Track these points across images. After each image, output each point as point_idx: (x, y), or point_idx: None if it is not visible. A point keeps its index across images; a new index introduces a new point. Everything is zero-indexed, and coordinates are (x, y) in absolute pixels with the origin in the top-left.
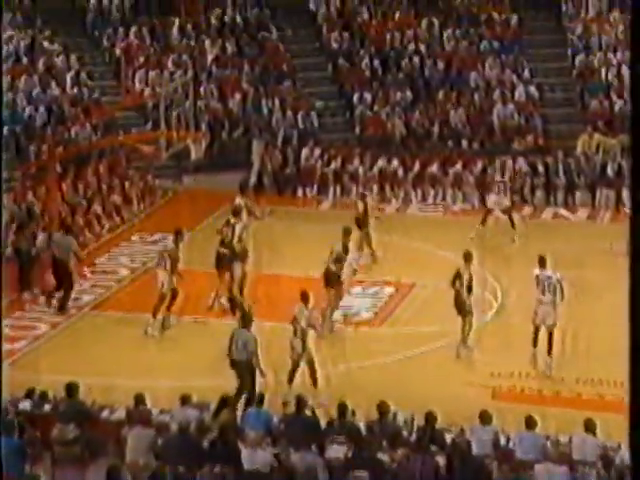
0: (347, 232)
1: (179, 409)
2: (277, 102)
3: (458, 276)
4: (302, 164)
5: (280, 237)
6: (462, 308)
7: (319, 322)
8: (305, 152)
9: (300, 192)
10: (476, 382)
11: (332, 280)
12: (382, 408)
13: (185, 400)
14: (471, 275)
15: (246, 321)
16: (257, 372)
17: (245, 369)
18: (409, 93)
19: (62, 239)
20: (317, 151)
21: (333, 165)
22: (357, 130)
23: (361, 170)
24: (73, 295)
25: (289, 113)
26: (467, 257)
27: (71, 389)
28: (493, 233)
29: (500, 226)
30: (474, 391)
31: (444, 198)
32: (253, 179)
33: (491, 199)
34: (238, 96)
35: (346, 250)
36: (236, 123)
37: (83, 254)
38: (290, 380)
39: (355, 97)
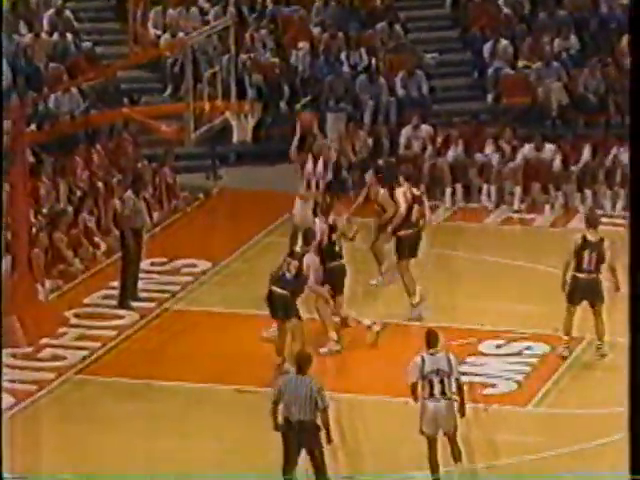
0: None
1: None
2: (364, 55)
3: (583, 247)
4: (402, 151)
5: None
6: (592, 292)
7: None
8: (407, 132)
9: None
10: None
11: None
12: None
13: None
14: (600, 250)
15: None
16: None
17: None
18: (573, 40)
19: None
20: (426, 131)
21: (452, 152)
22: (490, 98)
23: (495, 160)
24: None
25: (383, 73)
26: (591, 222)
27: None
28: None
29: None
30: None
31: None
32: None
33: None
34: (304, 46)
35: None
36: (301, 88)
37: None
38: (436, 465)
39: (487, 47)
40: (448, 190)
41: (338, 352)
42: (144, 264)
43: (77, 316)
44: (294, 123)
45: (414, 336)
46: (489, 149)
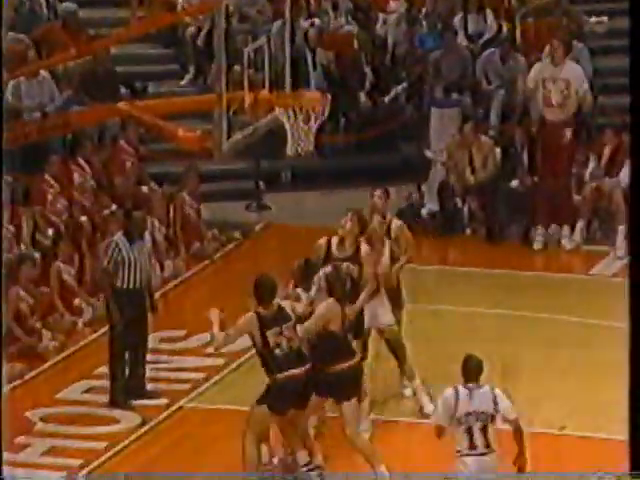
0: None
1: None
2: (491, 20)
3: None
4: (545, 168)
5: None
6: None
7: None
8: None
9: (538, 237)
10: None
11: None
12: None
13: None
14: None
15: None
16: None
17: None
18: None
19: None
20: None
21: (627, 171)
22: None
23: None
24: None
25: (520, 47)
26: None
27: None
28: None
29: None
30: None
31: None
32: (430, 205)
33: None
34: (397, 7)
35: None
36: (391, 70)
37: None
38: None
39: None
40: (621, 229)
41: None
42: (150, 340)
43: (46, 420)
44: (381, 125)
45: None
46: None
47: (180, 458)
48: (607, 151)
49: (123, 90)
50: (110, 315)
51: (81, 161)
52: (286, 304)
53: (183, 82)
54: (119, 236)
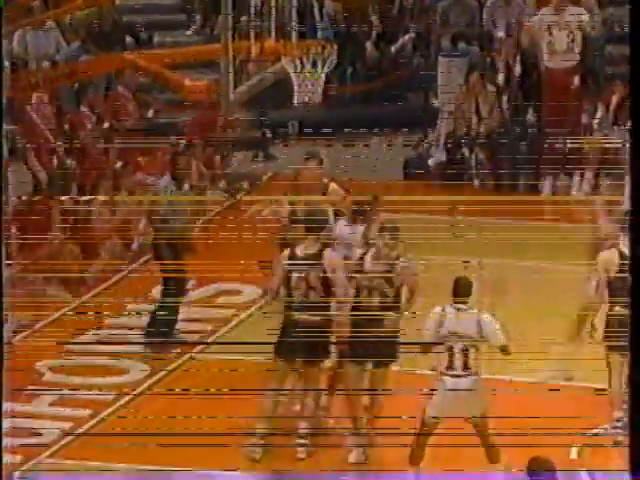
0: None
1: None
2: None
3: None
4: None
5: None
6: None
7: None
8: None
9: (546, 187)
10: None
11: None
12: None
13: None
14: None
15: None
16: None
17: None
18: None
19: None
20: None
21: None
22: None
23: None
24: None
25: None
26: None
27: None
28: None
29: None
30: None
31: None
32: (438, 154)
33: None
34: None
35: None
36: (398, 19)
37: None
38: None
39: None
40: (628, 179)
41: None
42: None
43: (54, 370)
44: (388, 75)
45: None
46: None
47: (189, 409)
48: (615, 100)
49: (129, 39)
50: (162, 257)
51: (85, 110)
52: (329, 253)
53: (189, 32)
54: (168, 181)
